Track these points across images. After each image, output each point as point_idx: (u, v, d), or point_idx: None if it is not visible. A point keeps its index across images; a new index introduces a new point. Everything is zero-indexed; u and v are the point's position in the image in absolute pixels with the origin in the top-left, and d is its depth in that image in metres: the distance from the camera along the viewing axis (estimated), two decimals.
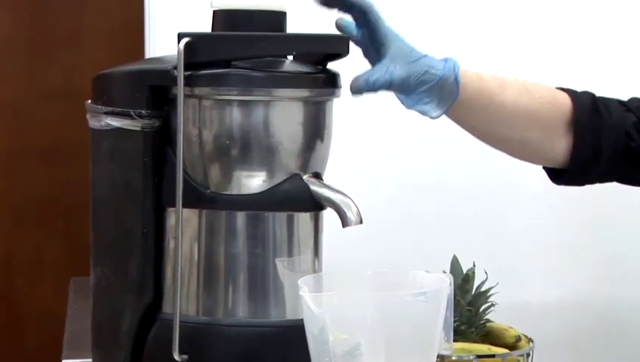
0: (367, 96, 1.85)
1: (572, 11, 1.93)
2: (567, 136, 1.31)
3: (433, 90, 1.22)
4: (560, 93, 1.33)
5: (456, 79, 1.22)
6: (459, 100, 1.23)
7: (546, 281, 2.03)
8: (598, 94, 1.37)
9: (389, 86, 1.19)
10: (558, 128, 1.31)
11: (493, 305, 1.46)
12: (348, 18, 1.19)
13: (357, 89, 1.18)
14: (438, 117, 1.24)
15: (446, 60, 1.23)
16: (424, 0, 1.90)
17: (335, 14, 1.21)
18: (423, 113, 1.23)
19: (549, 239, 2.01)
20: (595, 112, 1.32)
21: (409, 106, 1.23)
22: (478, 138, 1.32)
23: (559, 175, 1.35)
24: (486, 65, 1.87)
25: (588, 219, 2.01)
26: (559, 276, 2.02)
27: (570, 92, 1.34)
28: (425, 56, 1.21)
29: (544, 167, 1.37)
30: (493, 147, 1.34)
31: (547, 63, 1.92)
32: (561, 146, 1.32)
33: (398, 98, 1.23)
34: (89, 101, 1.20)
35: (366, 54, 1.22)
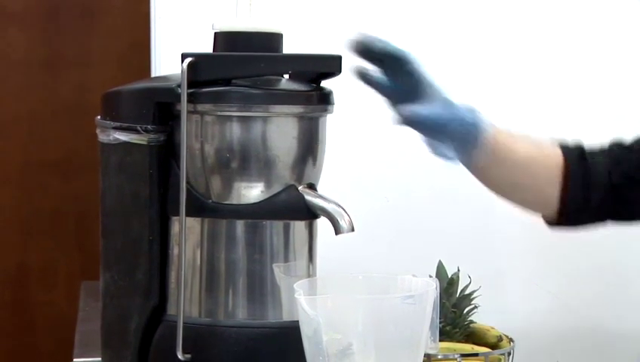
0: (358, 112, 1.86)
1: (570, 17, 1.94)
2: (558, 186, 1.30)
3: (460, 138, 1.20)
4: (551, 147, 1.32)
5: (478, 130, 1.21)
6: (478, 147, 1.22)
7: (527, 285, 2.03)
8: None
9: (430, 126, 1.17)
10: (551, 178, 1.30)
11: (476, 307, 1.46)
12: (369, 67, 1.17)
13: (406, 117, 1.15)
14: (456, 162, 1.22)
15: (472, 111, 1.21)
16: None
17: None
18: (445, 158, 1.20)
19: (530, 245, 2.01)
20: (582, 160, 1.31)
21: (434, 150, 1.19)
22: (482, 182, 1.31)
23: (552, 222, 1.33)
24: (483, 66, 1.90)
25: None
26: (540, 280, 2.02)
27: (562, 144, 1.33)
28: (457, 104, 1.20)
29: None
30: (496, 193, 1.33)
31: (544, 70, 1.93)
32: (554, 195, 1.30)
33: (427, 142, 1.20)
34: (98, 117, 1.20)
35: (393, 101, 1.18)
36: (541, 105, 1.96)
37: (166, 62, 1.81)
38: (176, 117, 1.14)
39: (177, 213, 1.13)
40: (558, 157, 1.32)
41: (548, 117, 1.96)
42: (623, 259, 2.04)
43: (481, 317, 1.49)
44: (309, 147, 1.17)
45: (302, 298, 1.03)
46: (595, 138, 1.98)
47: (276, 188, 1.15)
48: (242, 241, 1.15)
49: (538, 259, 2.02)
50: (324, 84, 1.20)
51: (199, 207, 1.15)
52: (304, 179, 1.17)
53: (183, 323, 1.12)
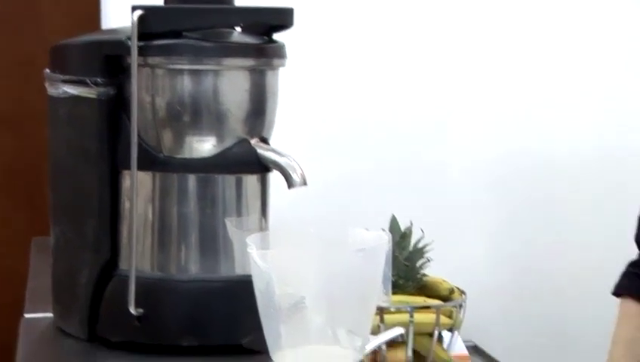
0: (312, 67, 1.86)
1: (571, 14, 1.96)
2: None
3: None
4: None
5: None
6: None
7: (480, 239, 2.05)
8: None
9: None
10: None
11: (428, 260, 1.46)
12: None
13: None
14: None
15: None
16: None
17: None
18: None
19: (484, 199, 2.03)
20: None
21: None
22: None
23: None
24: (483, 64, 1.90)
25: (522, 184, 2.03)
26: (491, 234, 2.04)
27: None
28: None
29: None
30: None
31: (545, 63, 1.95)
32: None
33: None
34: (48, 70, 1.19)
35: None
36: (540, 105, 1.97)
37: (116, 15, 1.79)
38: (126, 70, 1.13)
39: (128, 167, 1.13)
40: None
41: (547, 117, 1.99)
42: (581, 217, 2.06)
43: (434, 271, 1.50)
44: (261, 101, 1.16)
45: (254, 252, 1.02)
46: (595, 138, 2.01)
47: (228, 142, 1.14)
48: (194, 195, 1.14)
49: (492, 214, 2.03)
50: (277, 37, 1.19)
51: (150, 161, 1.14)
52: (256, 132, 1.16)
53: (135, 277, 1.12)
